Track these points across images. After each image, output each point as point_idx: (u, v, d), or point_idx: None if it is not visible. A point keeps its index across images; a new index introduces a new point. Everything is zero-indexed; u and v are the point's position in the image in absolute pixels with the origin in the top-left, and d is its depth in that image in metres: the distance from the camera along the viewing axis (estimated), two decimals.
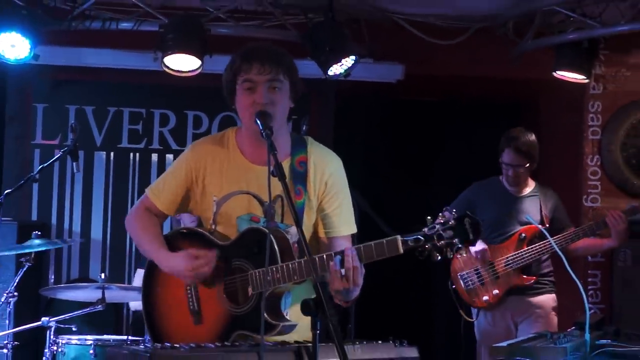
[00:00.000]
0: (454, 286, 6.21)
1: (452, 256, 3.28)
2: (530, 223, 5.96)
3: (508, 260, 6.06)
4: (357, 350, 3.21)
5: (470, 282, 6.15)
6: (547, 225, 6.05)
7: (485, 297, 6.11)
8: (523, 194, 6.22)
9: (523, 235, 6.06)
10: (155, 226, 3.77)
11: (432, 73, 7.76)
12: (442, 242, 3.25)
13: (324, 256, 3.39)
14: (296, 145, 3.68)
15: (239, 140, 3.69)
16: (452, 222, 3.25)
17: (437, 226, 3.26)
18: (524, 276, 6.07)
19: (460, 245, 3.25)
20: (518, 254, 6.05)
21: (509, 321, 6.16)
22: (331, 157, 3.73)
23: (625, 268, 7.17)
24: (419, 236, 3.26)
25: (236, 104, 3.62)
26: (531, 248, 6.02)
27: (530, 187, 6.25)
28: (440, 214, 3.28)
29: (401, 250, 3.29)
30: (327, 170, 3.67)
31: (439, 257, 3.27)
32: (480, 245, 6.08)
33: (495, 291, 6.08)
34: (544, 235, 5.73)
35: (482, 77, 7.77)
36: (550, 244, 5.73)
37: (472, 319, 6.27)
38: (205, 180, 3.66)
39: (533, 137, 6.15)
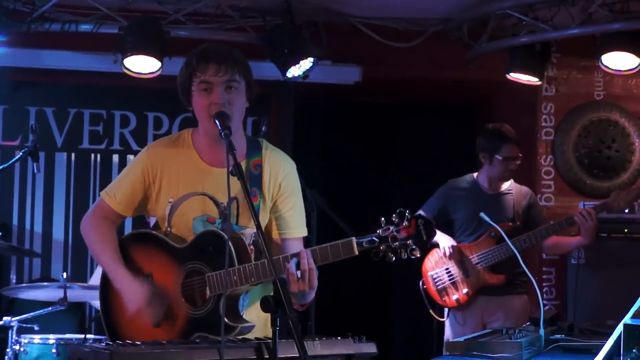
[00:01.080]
0: (424, 286, 6.24)
1: (406, 257, 3.31)
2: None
3: (478, 259, 6.09)
4: (316, 346, 3.21)
5: (440, 282, 6.18)
6: (518, 223, 6.07)
7: (456, 296, 6.14)
8: (498, 192, 6.23)
9: (492, 233, 6.04)
10: (112, 235, 3.72)
11: (389, 75, 7.83)
12: (397, 243, 3.26)
13: (280, 258, 3.40)
14: (251, 148, 3.68)
15: (196, 142, 3.68)
16: (405, 223, 3.26)
17: (391, 227, 3.27)
18: (494, 275, 6.09)
19: (414, 247, 3.26)
20: (488, 251, 6.07)
21: (479, 321, 6.15)
22: (285, 160, 3.74)
23: (579, 265, 7.23)
24: (374, 238, 3.28)
25: (193, 105, 3.60)
26: (501, 246, 6.01)
27: (506, 184, 6.27)
28: (393, 214, 3.29)
29: (356, 252, 3.31)
30: (282, 173, 3.68)
31: (394, 259, 3.28)
32: (448, 242, 6.15)
33: (465, 290, 6.11)
34: (514, 233, 5.73)
35: (437, 79, 7.85)
36: (510, 244, 5.58)
37: (443, 318, 6.29)
38: (162, 182, 3.65)
39: None
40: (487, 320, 6.16)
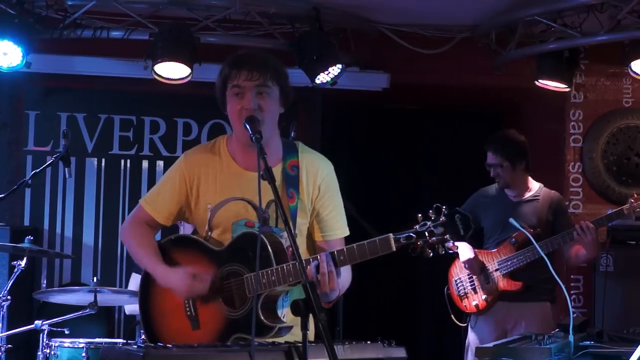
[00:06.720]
0: (449, 291, 6.23)
1: (444, 252, 3.32)
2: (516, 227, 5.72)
3: (498, 265, 6.04)
4: (346, 350, 3.21)
5: (462, 288, 6.17)
6: (539, 230, 5.94)
7: (475, 302, 6.12)
8: (522, 199, 6.14)
9: (514, 240, 5.98)
10: (151, 238, 3.77)
11: (417, 82, 7.83)
12: (434, 238, 3.25)
13: (310, 259, 3.42)
14: (287, 150, 3.70)
15: (231, 148, 3.71)
16: (442, 218, 3.26)
17: (428, 223, 3.27)
18: (512, 281, 6.02)
19: (452, 241, 3.27)
20: (508, 258, 6.00)
21: (499, 328, 6.08)
22: (323, 162, 3.75)
23: (607, 273, 7.19)
24: (411, 233, 3.27)
25: (227, 111, 3.65)
26: (520, 252, 5.95)
27: (532, 190, 6.18)
28: (430, 210, 3.29)
29: (394, 248, 3.30)
30: (320, 175, 3.69)
31: (431, 254, 3.28)
32: (467, 255, 6.09)
33: (484, 296, 6.07)
34: (535, 240, 5.65)
35: (465, 85, 7.87)
36: (536, 249, 5.54)
37: (464, 323, 6.25)
38: (200, 189, 3.68)
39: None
40: (507, 326, 6.09)
